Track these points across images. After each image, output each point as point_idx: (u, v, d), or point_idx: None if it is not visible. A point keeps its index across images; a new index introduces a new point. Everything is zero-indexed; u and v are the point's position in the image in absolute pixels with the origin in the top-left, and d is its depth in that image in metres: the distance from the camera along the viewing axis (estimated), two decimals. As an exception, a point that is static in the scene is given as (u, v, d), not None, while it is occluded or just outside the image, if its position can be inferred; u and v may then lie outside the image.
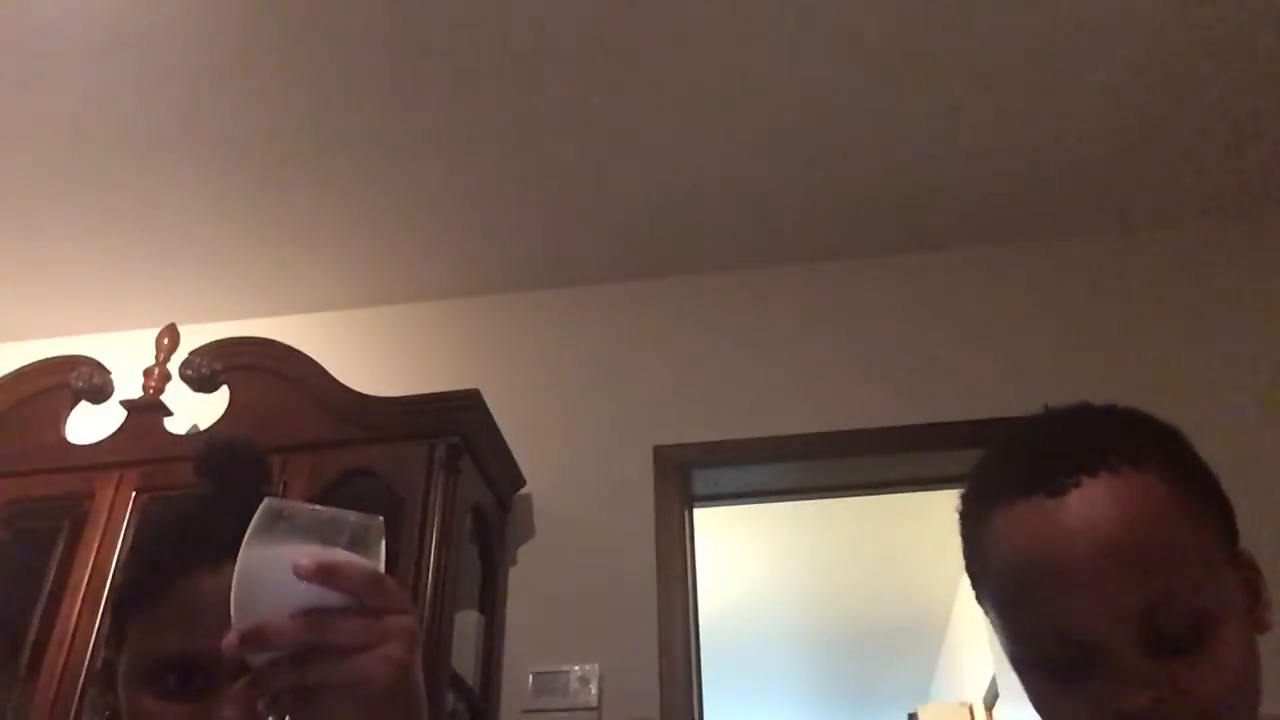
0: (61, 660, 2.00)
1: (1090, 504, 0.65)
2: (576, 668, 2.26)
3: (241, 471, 0.87)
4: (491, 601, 2.33)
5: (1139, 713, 0.60)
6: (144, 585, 0.81)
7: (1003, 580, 0.69)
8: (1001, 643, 0.70)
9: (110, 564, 2.09)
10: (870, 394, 2.53)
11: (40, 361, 2.41)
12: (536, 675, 2.27)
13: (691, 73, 2.26)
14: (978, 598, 0.73)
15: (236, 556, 0.75)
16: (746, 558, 4.24)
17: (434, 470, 2.08)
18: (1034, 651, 0.66)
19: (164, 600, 0.79)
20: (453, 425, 2.15)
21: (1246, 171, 2.49)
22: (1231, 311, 2.49)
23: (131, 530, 2.14)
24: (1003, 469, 0.71)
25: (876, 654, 5.17)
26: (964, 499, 0.74)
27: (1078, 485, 0.65)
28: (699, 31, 2.17)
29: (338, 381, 2.27)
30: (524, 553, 2.46)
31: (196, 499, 0.88)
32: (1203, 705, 0.60)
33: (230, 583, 0.71)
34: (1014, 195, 2.59)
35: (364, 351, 2.82)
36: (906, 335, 2.62)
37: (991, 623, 0.71)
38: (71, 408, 2.36)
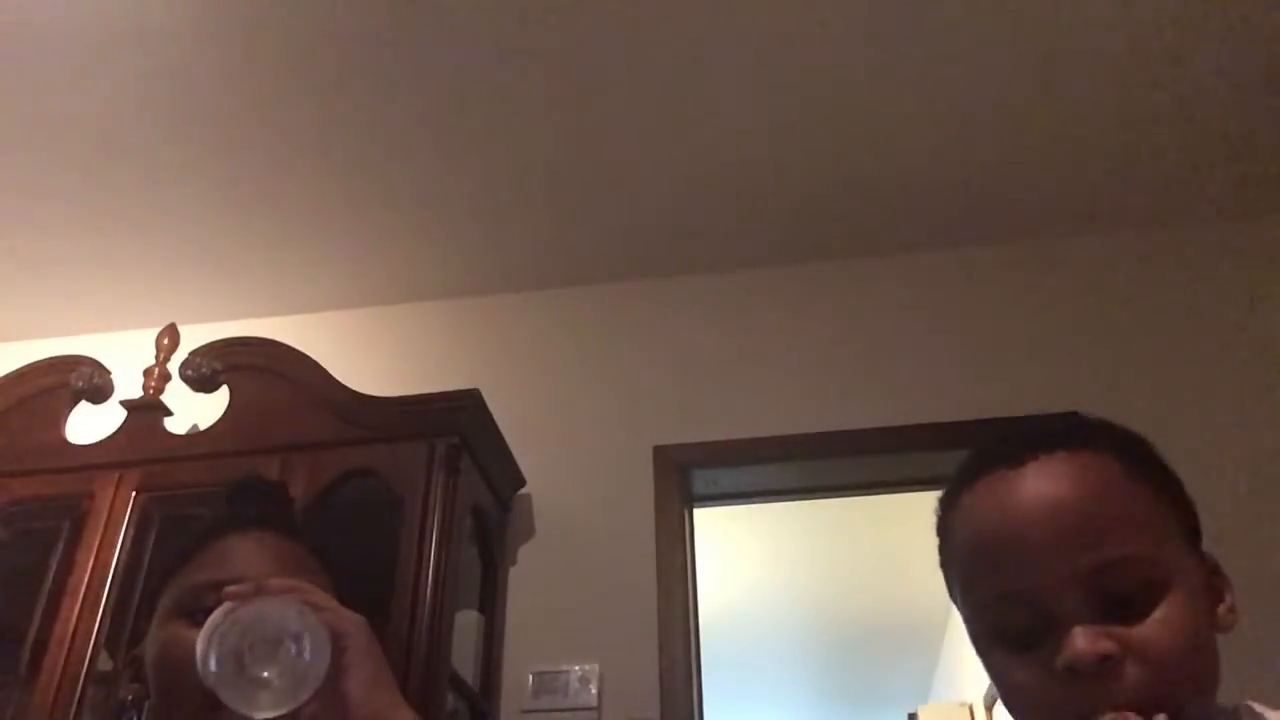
0: (61, 660, 2.00)
1: (1047, 472, 0.69)
2: (576, 668, 2.26)
3: (266, 505, 1.00)
4: (491, 601, 2.33)
5: (1087, 671, 0.62)
6: (181, 553, 0.92)
7: (965, 551, 0.72)
8: (965, 621, 0.73)
9: (110, 564, 2.09)
10: (870, 394, 2.53)
11: (40, 361, 2.41)
12: (536, 675, 2.27)
13: (691, 71, 2.26)
14: (947, 584, 0.76)
15: (262, 531, 0.92)
16: (746, 558, 4.23)
17: (434, 470, 2.08)
18: (992, 620, 0.69)
19: (199, 554, 0.90)
20: (452, 425, 2.15)
21: (1247, 172, 2.49)
22: (1230, 313, 2.48)
23: (132, 530, 2.14)
24: (972, 461, 0.75)
25: (876, 654, 5.17)
26: (939, 501, 0.78)
27: (1036, 459, 0.69)
28: (699, 30, 2.17)
29: (338, 381, 2.27)
30: (524, 553, 2.46)
31: (222, 511, 1.01)
32: (1149, 669, 0.62)
33: (256, 546, 0.89)
34: (1013, 196, 2.58)
35: (364, 351, 2.82)
36: (906, 335, 2.62)
37: (957, 605, 0.74)
38: (71, 408, 2.36)
